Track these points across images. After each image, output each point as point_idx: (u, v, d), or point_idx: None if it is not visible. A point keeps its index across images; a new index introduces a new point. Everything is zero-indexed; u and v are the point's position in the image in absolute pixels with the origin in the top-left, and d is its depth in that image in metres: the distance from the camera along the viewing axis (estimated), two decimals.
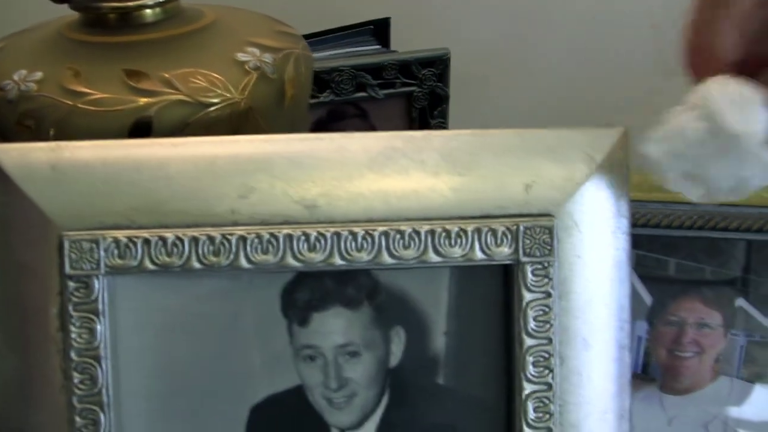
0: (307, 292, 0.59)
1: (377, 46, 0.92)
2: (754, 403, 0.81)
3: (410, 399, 0.61)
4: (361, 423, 0.61)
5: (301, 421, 0.60)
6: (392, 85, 0.89)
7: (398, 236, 0.58)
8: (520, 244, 0.59)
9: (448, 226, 0.58)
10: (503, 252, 0.59)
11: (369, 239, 0.58)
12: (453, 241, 0.58)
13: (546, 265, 0.59)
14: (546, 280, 0.59)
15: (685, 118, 0.54)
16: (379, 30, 0.93)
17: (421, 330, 0.60)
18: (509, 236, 0.59)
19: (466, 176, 0.59)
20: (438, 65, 0.89)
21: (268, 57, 0.71)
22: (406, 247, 0.58)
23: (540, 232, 0.59)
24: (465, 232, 0.59)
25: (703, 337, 0.79)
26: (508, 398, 0.61)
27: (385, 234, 0.58)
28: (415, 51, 0.89)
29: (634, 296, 0.76)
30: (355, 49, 0.92)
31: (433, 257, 0.58)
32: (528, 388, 0.60)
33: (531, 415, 0.60)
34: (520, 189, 0.59)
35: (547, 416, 0.60)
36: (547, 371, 0.59)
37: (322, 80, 0.86)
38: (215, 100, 0.68)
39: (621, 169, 0.60)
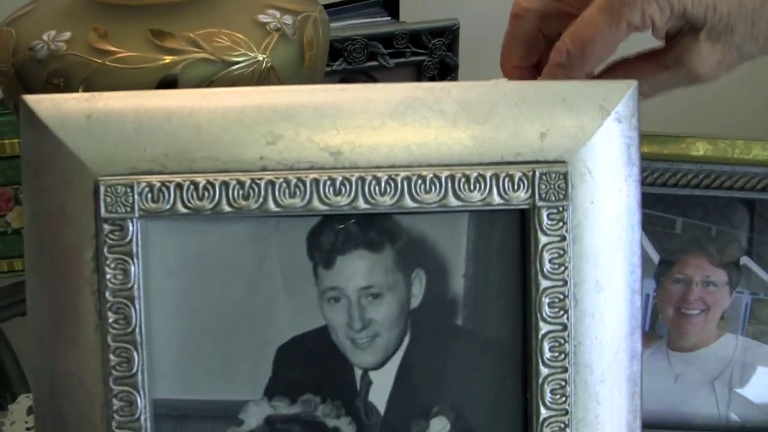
0: (332, 235, 0.62)
1: (387, 18, 0.95)
2: (758, 360, 0.83)
3: (430, 340, 0.63)
4: (383, 363, 0.63)
5: (325, 360, 0.63)
6: (402, 54, 0.91)
7: (420, 181, 0.61)
8: (536, 189, 0.61)
9: (467, 172, 0.61)
10: (520, 197, 0.61)
11: (392, 184, 0.61)
12: (472, 186, 0.61)
13: (561, 209, 0.61)
14: (561, 224, 0.61)
15: None
16: (389, 2, 0.95)
17: (441, 273, 0.63)
18: (526, 182, 0.61)
19: (483, 125, 0.62)
20: (447, 35, 0.92)
21: (288, 19, 0.73)
22: (427, 192, 0.61)
23: (555, 177, 0.61)
24: (483, 177, 0.61)
25: (708, 295, 0.81)
26: (524, 339, 0.63)
27: (407, 179, 0.61)
28: (425, 21, 0.92)
29: (642, 255, 0.79)
30: (365, 21, 0.94)
31: (453, 201, 0.61)
32: (544, 328, 0.62)
33: (547, 354, 0.62)
34: (536, 137, 0.62)
35: (563, 356, 0.62)
36: (562, 312, 0.62)
37: (335, 49, 0.89)
38: (238, 59, 0.71)
39: (632, 119, 0.63)
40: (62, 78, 0.70)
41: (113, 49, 0.70)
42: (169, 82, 0.69)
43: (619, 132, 0.62)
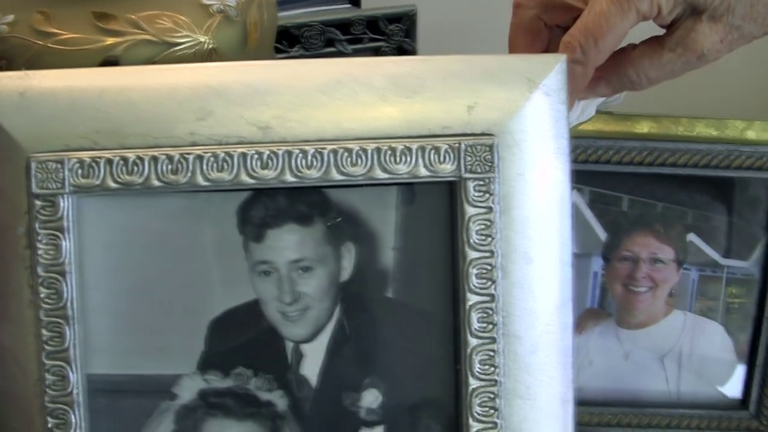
0: (262, 209, 0.63)
1: (348, 5, 0.95)
2: (706, 336, 0.83)
3: (361, 312, 0.64)
4: (314, 335, 0.64)
5: (257, 334, 0.64)
6: (360, 40, 0.92)
7: (346, 154, 0.61)
8: (462, 161, 0.62)
9: (393, 145, 0.62)
10: (446, 169, 0.62)
11: (318, 157, 0.61)
12: (398, 159, 0.62)
13: (487, 181, 0.62)
14: (488, 195, 0.62)
15: None
16: None
17: (371, 246, 0.63)
18: (452, 154, 0.62)
19: (412, 98, 0.63)
20: (405, 21, 0.93)
21: (232, 1, 0.74)
22: (353, 165, 0.62)
23: (481, 150, 0.62)
24: (410, 150, 0.62)
25: (656, 272, 0.82)
26: (453, 310, 0.63)
27: (334, 152, 0.61)
28: (383, 7, 0.93)
29: (590, 233, 0.80)
30: (327, 8, 0.95)
31: (379, 174, 0.62)
32: (472, 299, 0.63)
33: (475, 325, 0.63)
34: (464, 110, 0.63)
35: (491, 326, 0.63)
36: (490, 283, 0.63)
37: (292, 35, 0.90)
38: (181, 40, 0.72)
39: (560, 93, 0.64)
40: (5, 60, 0.71)
41: (56, 31, 0.70)
42: (110, 64, 0.70)
43: (548, 105, 0.63)
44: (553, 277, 0.64)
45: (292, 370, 0.64)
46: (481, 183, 0.62)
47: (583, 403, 0.84)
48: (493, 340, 0.63)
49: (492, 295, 0.62)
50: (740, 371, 0.84)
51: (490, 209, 0.62)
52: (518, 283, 0.63)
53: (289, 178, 0.61)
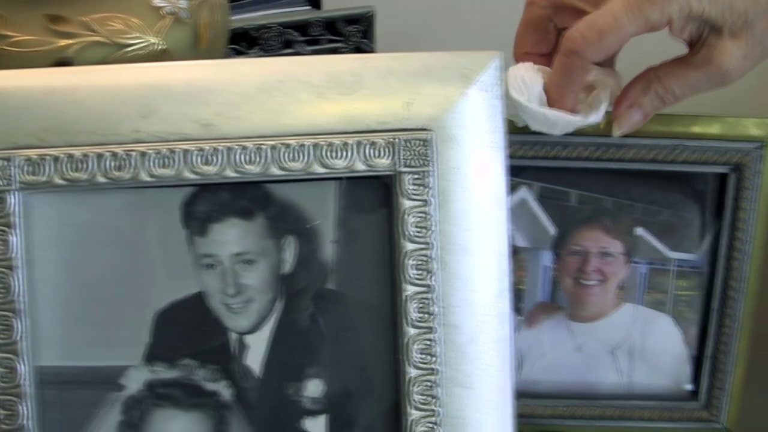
0: (205, 204, 0.64)
1: (308, 7, 0.97)
2: (656, 328, 0.85)
3: (303, 303, 0.66)
4: (257, 327, 0.66)
5: (202, 325, 0.65)
6: (318, 41, 0.94)
7: (285, 150, 0.63)
8: (399, 155, 0.64)
9: (331, 140, 0.64)
10: (383, 163, 0.64)
11: (259, 153, 0.63)
12: (336, 154, 0.63)
13: (423, 174, 0.64)
14: (424, 188, 0.64)
15: None
16: None
17: (312, 239, 0.65)
18: (389, 149, 0.64)
19: (350, 95, 0.64)
20: (363, 22, 0.94)
21: (183, 3, 0.76)
22: (293, 160, 0.63)
23: (417, 144, 0.64)
24: (347, 145, 0.64)
25: (605, 266, 0.83)
26: (393, 301, 0.65)
27: (274, 148, 0.63)
28: (341, 9, 0.94)
29: (539, 227, 0.81)
30: (286, 10, 0.97)
31: (318, 169, 0.64)
32: (410, 289, 0.64)
33: (413, 315, 0.65)
34: (401, 106, 0.64)
35: (429, 316, 0.65)
36: (427, 274, 0.64)
37: (250, 37, 0.92)
38: (132, 42, 0.73)
39: (496, 88, 0.65)
40: None
41: (8, 33, 0.72)
42: (63, 65, 0.72)
43: (483, 100, 0.65)
44: (491, 267, 0.65)
45: (237, 360, 0.65)
46: (417, 177, 0.63)
47: (537, 396, 0.85)
48: (431, 330, 0.64)
49: (429, 286, 0.64)
50: (690, 362, 0.85)
51: (426, 202, 0.64)
52: (456, 274, 0.65)
53: (231, 173, 0.63)
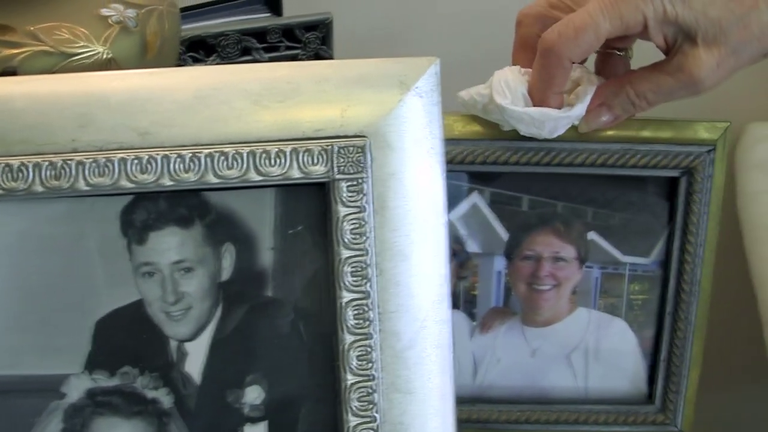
0: (144, 212, 0.65)
1: (268, 14, 0.98)
2: (611, 332, 0.85)
3: (241, 311, 0.66)
4: (197, 334, 0.66)
5: (141, 333, 0.66)
6: (277, 48, 0.94)
7: (222, 158, 0.64)
8: (334, 162, 0.64)
9: (267, 148, 0.64)
10: (319, 170, 0.64)
11: (195, 161, 0.64)
12: (272, 161, 0.64)
13: (359, 181, 0.64)
14: (360, 195, 0.64)
15: (480, 86, 0.77)
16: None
17: (249, 246, 0.65)
18: (324, 156, 0.64)
19: (286, 103, 0.65)
20: (321, 29, 0.95)
21: (131, 12, 0.76)
22: (229, 168, 0.64)
23: (353, 151, 0.64)
24: (283, 152, 0.64)
25: (558, 270, 0.83)
26: (331, 307, 0.65)
27: (210, 156, 0.64)
28: (299, 15, 0.95)
29: (492, 233, 0.81)
30: (248, 17, 0.97)
31: (254, 176, 0.64)
32: (347, 296, 0.65)
33: (351, 321, 0.65)
34: (337, 113, 0.65)
35: (367, 323, 0.65)
36: (364, 281, 0.65)
37: (208, 45, 0.92)
38: (78, 51, 0.74)
39: (433, 94, 0.66)
40: None
41: None
42: (9, 74, 0.72)
43: (420, 107, 0.65)
44: (429, 273, 0.65)
45: (177, 368, 0.66)
46: (353, 183, 0.64)
47: (492, 401, 0.85)
48: (369, 336, 0.65)
49: (366, 293, 0.64)
50: (645, 366, 0.85)
51: (362, 209, 0.64)
52: (393, 280, 0.65)
53: (167, 182, 0.63)
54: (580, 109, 0.74)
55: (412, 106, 0.64)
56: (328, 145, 0.63)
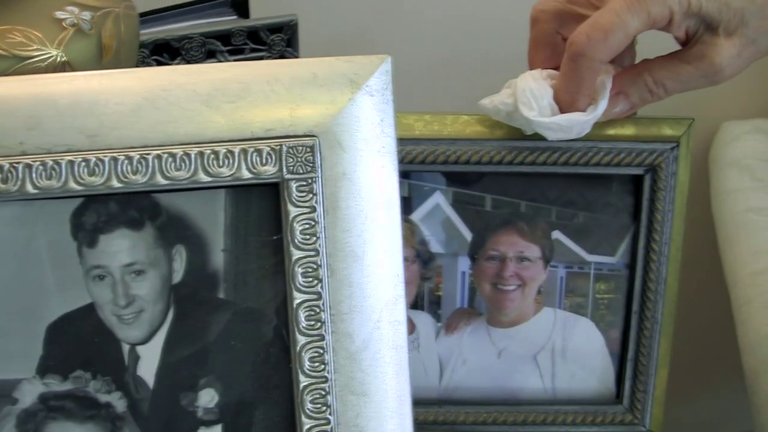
0: (94, 215, 0.64)
1: (234, 17, 0.97)
2: (577, 332, 0.84)
3: (193, 312, 0.65)
4: (149, 337, 0.65)
5: (93, 337, 0.65)
6: (242, 51, 0.94)
7: (170, 159, 0.63)
8: (284, 162, 0.63)
9: (216, 148, 0.63)
10: (268, 171, 0.63)
11: (144, 162, 0.63)
12: (221, 162, 0.63)
13: (310, 181, 0.64)
14: (311, 195, 0.64)
15: (503, 94, 0.77)
16: (238, 2, 0.98)
17: (201, 248, 0.65)
18: (274, 156, 0.63)
19: (236, 103, 0.64)
20: (286, 31, 0.94)
21: (86, 15, 0.76)
22: (178, 169, 0.63)
23: (303, 151, 0.63)
24: (232, 153, 0.63)
25: (523, 270, 0.83)
26: (283, 308, 0.65)
27: (159, 157, 0.63)
28: (263, 18, 0.94)
29: (455, 233, 0.81)
30: (214, 20, 0.97)
31: (203, 177, 0.63)
32: (299, 297, 0.64)
33: (303, 323, 0.64)
34: (287, 113, 0.64)
35: (319, 324, 0.64)
36: (316, 281, 0.64)
37: (172, 48, 0.91)
38: (32, 54, 0.73)
39: (384, 93, 0.65)
40: None
41: None
42: None
43: (371, 105, 0.64)
44: (383, 274, 0.65)
45: (129, 371, 0.65)
46: (304, 183, 0.63)
47: (458, 403, 0.85)
48: (322, 338, 0.64)
49: (319, 293, 0.64)
50: (613, 366, 0.85)
51: (313, 209, 0.63)
52: (346, 281, 0.64)
53: (116, 184, 0.63)
54: (603, 105, 0.74)
55: (362, 104, 0.64)
56: (277, 145, 0.63)
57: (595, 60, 0.70)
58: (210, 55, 0.93)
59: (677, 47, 0.73)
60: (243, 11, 0.99)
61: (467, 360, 0.84)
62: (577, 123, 0.74)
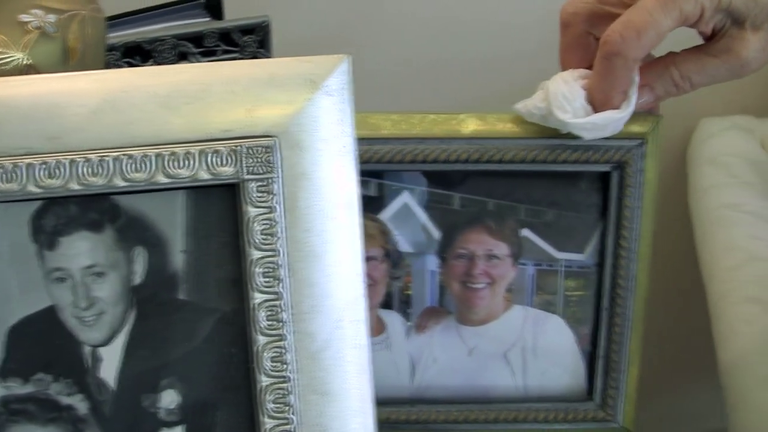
0: (54, 217, 0.64)
1: (208, 19, 0.97)
2: (548, 329, 0.84)
3: (154, 314, 0.66)
4: (110, 339, 0.65)
5: (54, 339, 0.65)
6: (214, 53, 0.94)
7: (129, 161, 0.63)
8: (243, 163, 0.64)
9: (175, 150, 0.63)
10: (227, 171, 0.64)
11: (103, 165, 0.63)
12: (180, 164, 0.63)
13: (269, 181, 0.64)
14: (270, 195, 0.64)
15: (536, 98, 0.78)
16: (211, 4, 0.98)
17: (161, 249, 0.65)
18: (232, 157, 0.64)
19: (194, 105, 0.64)
20: (258, 32, 0.94)
21: (51, 17, 0.76)
22: (137, 171, 0.63)
23: (261, 151, 0.64)
24: (191, 154, 0.63)
25: (492, 268, 0.83)
26: (243, 309, 0.65)
27: (118, 159, 0.63)
28: (236, 19, 0.94)
29: (424, 232, 0.81)
30: (187, 22, 0.97)
31: (162, 179, 0.63)
32: (258, 297, 0.64)
33: (263, 323, 0.64)
34: (245, 114, 0.64)
35: (280, 324, 0.64)
36: (276, 281, 0.64)
37: (144, 51, 0.92)
38: None
39: (343, 93, 0.65)
40: None
41: None
42: None
43: (330, 105, 0.65)
44: (343, 273, 0.65)
45: (91, 373, 0.65)
46: (262, 184, 0.63)
47: (430, 402, 0.85)
48: (283, 338, 0.64)
49: (279, 293, 0.64)
50: (584, 363, 0.85)
51: (272, 209, 0.63)
52: (306, 280, 0.64)
53: (75, 186, 0.63)
54: (634, 100, 0.75)
55: (321, 104, 0.64)
56: (236, 146, 0.63)
57: (629, 59, 0.71)
58: (182, 57, 0.93)
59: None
60: (217, 13, 0.99)
61: (438, 359, 0.84)
62: (613, 120, 0.75)
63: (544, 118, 0.78)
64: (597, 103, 0.75)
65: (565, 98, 0.75)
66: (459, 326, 0.84)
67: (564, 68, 0.78)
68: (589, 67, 0.76)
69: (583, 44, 0.76)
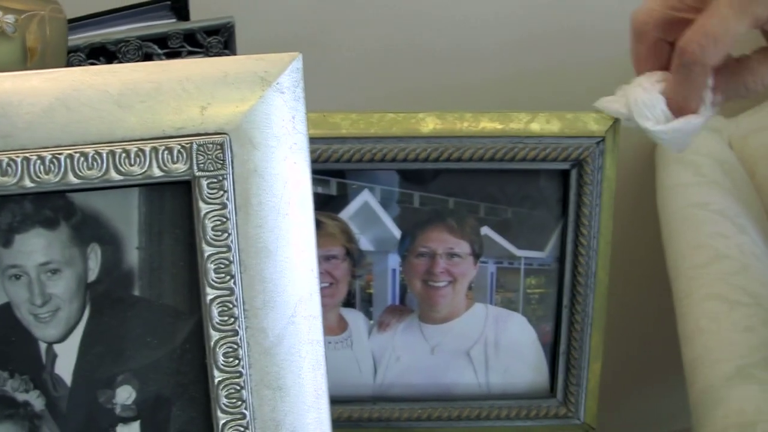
0: (8, 215, 0.65)
1: (173, 20, 0.98)
2: (509, 327, 0.85)
3: (109, 310, 0.66)
4: (66, 336, 0.66)
5: (10, 336, 0.66)
6: (179, 54, 0.94)
7: (82, 158, 0.64)
8: (195, 160, 0.64)
9: (128, 147, 0.64)
10: (179, 168, 0.64)
11: (56, 162, 0.64)
12: (132, 161, 0.64)
13: (220, 178, 0.64)
14: (221, 192, 0.64)
15: (617, 103, 0.79)
16: (177, 5, 0.99)
17: (116, 246, 0.66)
18: (184, 154, 0.64)
19: (147, 102, 0.65)
20: (223, 33, 0.95)
21: (9, 18, 0.77)
22: (90, 168, 0.64)
23: (213, 148, 0.64)
24: (143, 152, 0.64)
25: (453, 266, 0.83)
26: (198, 305, 0.65)
27: (70, 157, 0.64)
28: (200, 20, 0.95)
29: (384, 231, 0.81)
30: (153, 23, 0.97)
31: (115, 176, 0.64)
32: (212, 293, 0.65)
33: (216, 318, 0.65)
34: (197, 111, 0.65)
35: (233, 320, 0.65)
36: (228, 277, 0.65)
37: (108, 52, 0.92)
38: None
39: (296, 90, 0.66)
40: None
41: None
42: None
43: (282, 102, 0.65)
44: (296, 269, 0.65)
45: (47, 370, 0.66)
46: (214, 180, 0.64)
47: (392, 399, 0.85)
48: (235, 333, 0.65)
49: (231, 289, 0.64)
50: (546, 360, 0.85)
51: (224, 205, 0.64)
52: (258, 276, 0.65)
53: (28, 183, 0.63)
54: (710, 103, 0.75)
55: (273, 102, 0.64)
56: (187, 143, 0.64)
57: (707, 66, 0.71)
58: (147, 58, 0.93)
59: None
60: (183, 14, 0.99)
61: (401, 357, 0.85)
62: (694, 125, 0.75)
63: (627, 121, 0.79)
64: (677, 109, 0.75)
65: (645, 106, 0.76)
66: (421, 324, 0.84)
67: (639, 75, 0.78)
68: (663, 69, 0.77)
69: (658, 51, 0.76)
